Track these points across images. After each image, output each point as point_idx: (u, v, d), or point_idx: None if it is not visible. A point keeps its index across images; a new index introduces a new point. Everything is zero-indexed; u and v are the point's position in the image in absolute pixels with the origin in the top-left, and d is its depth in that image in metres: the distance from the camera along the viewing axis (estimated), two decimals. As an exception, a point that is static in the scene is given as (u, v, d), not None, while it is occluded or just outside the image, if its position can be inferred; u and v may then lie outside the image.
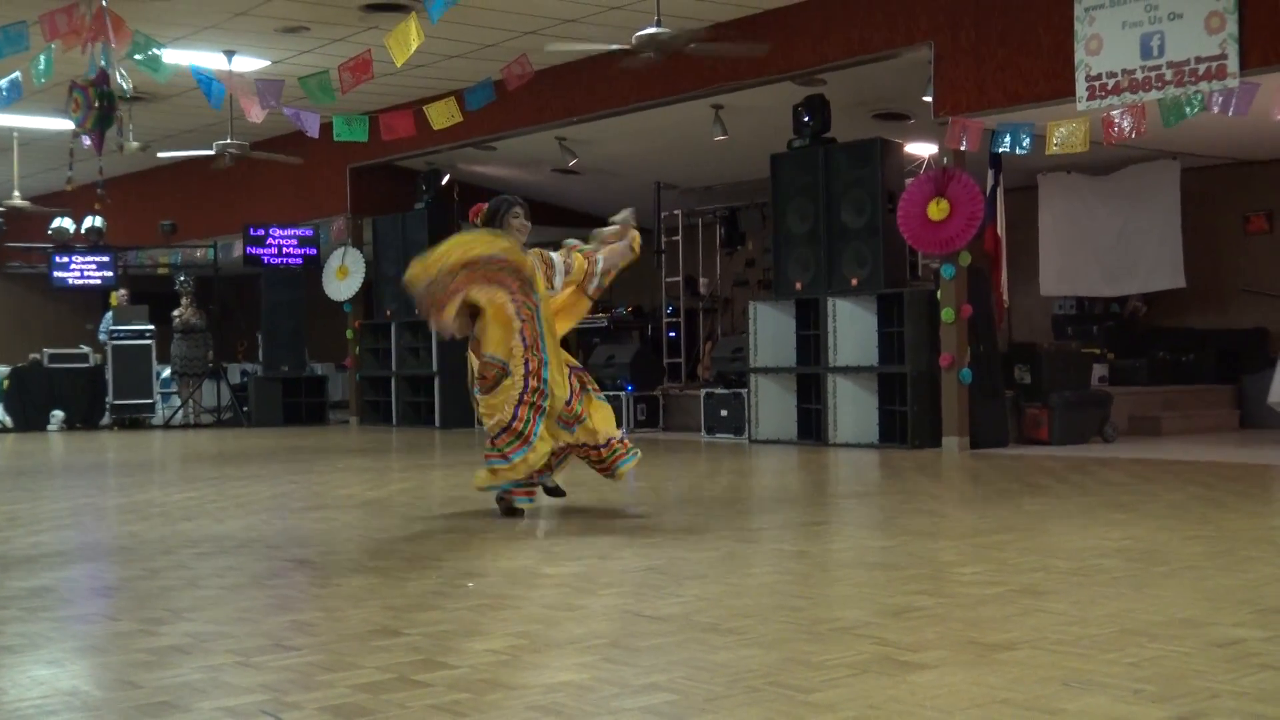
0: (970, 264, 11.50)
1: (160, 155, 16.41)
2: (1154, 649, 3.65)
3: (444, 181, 17.14)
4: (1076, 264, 14.88)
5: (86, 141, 12.24)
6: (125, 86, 11.04)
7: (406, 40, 9.66)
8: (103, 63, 10.46)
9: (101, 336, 18.40)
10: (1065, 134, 10.31)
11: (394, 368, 17.24)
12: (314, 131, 12.02)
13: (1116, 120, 9.98)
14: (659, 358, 16.26)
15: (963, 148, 11.05)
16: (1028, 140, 10.73)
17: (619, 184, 17.86)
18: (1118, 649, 3.66)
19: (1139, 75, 9.91)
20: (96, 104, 10.69)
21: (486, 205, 7.12)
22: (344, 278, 17.62)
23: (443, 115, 11.77)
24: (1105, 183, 14.83)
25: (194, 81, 11.76)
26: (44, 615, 4.48)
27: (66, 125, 13.78)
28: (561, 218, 20.18)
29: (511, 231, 6.92)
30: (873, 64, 11.96)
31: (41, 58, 10.74)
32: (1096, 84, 10.17)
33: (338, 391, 19.80)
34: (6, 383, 17.79)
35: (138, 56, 10.91)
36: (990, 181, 11.96)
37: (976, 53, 11.08)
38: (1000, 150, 11.15)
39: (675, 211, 17.19)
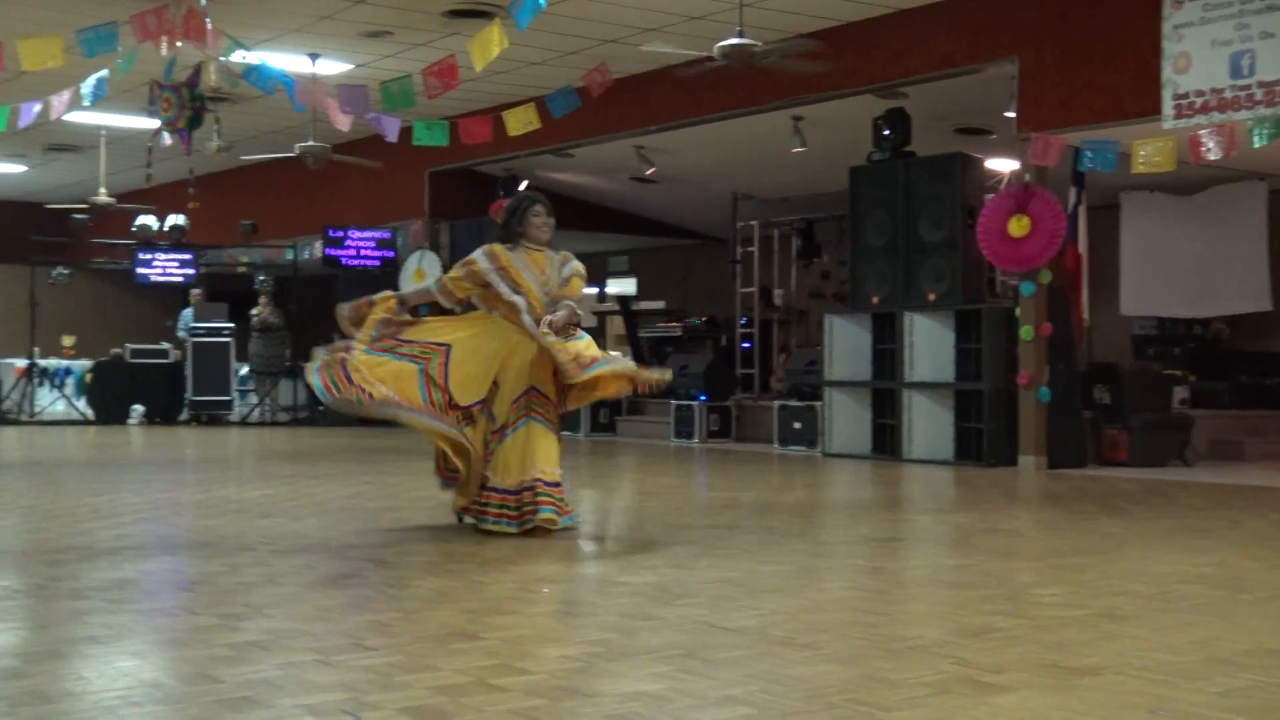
0: (1050, 282, 11.37)
1: (244, 159, 16.59)
2: (1243, 679, 3.58)
3: (521, 187, 17.21)
4: (1158, 284, 14.67)
5: (167, 139, 12.42)
6: (230, 84, 11.15)
7: (488, 45, 9.71)
8: (217, 60, 10.59)
9: (180, 333, 18.64)
10: (1150, 153, 10.16)
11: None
12: (393, 136, 12.11)
13: (1204, 140, 9.83)
14: (732, 368, 16.22)
15: (1045, 164, 10.94)
16: (1112, 158, 10.58)
17: (696, 193, 17.87)
18: (1204, 677, 3.60)
19: (1228, 94, 9.76)
20: (190, 105, 10.86)
21: (508, 202, 7.02)
22: (420, 280, 17.73)
23: (520, 121, 11.81)
24: (1190, 203, 14.62)
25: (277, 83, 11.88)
26: (127, 607, 4.54)
27: (149, 124, 13.98)
28: (637, 226, 20.27)
29: (530, 230, 6.67)
30: (955, 78, 11.88)
31: (122, 58, 10.91)
32: (1184, 103, 10.02)
33: (412, 394, 19.90)
34: (89, 376, 18.10)
35: (223, 58, 11.06)
36: (1072, 199, 11.83)
37: (1062, 69, 10.97)
38: (1084, 168, 11.02)
39: (751, 222, 17.15)
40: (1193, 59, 10.00)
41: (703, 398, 14.77)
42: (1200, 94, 9.95)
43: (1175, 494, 9.27)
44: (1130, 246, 14.70)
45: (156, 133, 12.45)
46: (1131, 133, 10.46)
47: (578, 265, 6.77)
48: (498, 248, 6.66)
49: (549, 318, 6.41)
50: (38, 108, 12.13)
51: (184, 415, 17.71)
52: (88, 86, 11.67)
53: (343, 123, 11.58)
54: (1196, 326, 15.66)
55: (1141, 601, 4.84)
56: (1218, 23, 9.83)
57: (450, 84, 10.57)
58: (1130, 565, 5.84)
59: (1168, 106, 10.13)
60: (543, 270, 6.62)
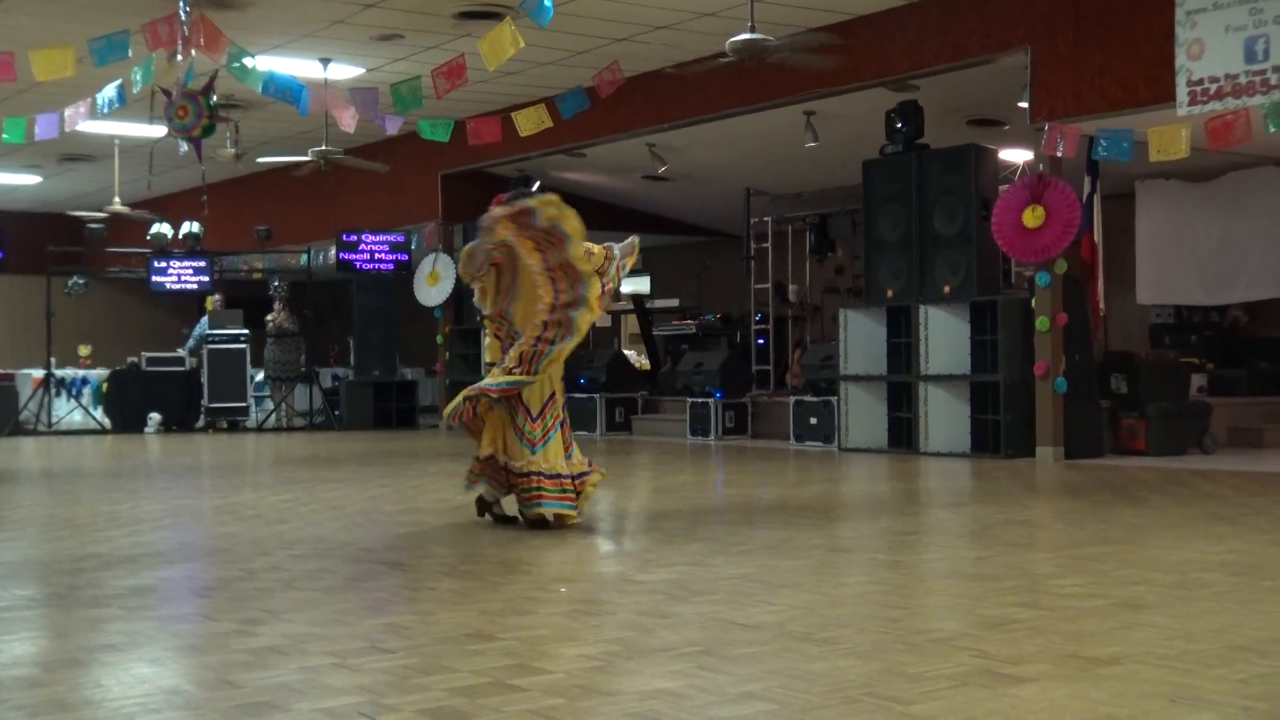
0: (1066, 272, 11.32)
1: (260, 160, 16.62)
2: (1263, 666, 3.56)
3: (534, 188, 17.20)
4: (1175, 272, 14.61)
5: (184, 147, 12.44)
6: (213, 100, 11.19)
7: (501, 45, 9.69)
8: (217, 69, 10.62)
9: (190, 343, 18.67)
10: (1165, 140, 10.11)
11: (483, 373, 17.32)
12: (394, 130, 12.11)
13: (1219, 126, 9.77)
14: (747, 365, 16.19)
15: (1059, 154, 10.89)
16: (1127, 146, 10.53)
17: (709, 190, 17.85)
18: (1225, 665, 3.57)
19: (1242, 80, 9.70)
20: (208, 113, 10.89)
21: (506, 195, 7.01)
22: (435, 283, 17.76)
23: (531, 122, 11.80)
24: (1205, 190, 14.55)
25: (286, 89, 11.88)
26: (145, 614, 4.55)
27: (161, 133, 13.98)
28: (650, 224, 20.25)
29: None
30: (968, 69, 11.83)
31: (139, 66, 10.93)
32: (1198, 89, 9.96)
33: (428, 396, 19.94)
34: (105, 385, 18.15)
35: (233, 65, 11.07)
36: (1087, 188, 11.78)
37: (1074, 58, 10.92)
38: (1099, 157, 10.96)
39: (765, 218, 17.10)
40: (1206, 45, 9.93)
41: (718, 395, 14.75)
42: (1214, 80, 9.88)
43: (1194, 482, 9.23)
44: (1146, 235, 14.65)
45: (172, 136, 12.45)
46: (1146, 120, 10.42)
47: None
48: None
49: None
50: (57, 120, 12.15)
51: (201, 422, 17.76)
52: (105, 97, 11.69)
53: (348, 124, 11.61)
54: (1214, 314, 15.58)
55: (1161, 590, 4.82)
56: (1231, 8, 9.76)
57: (457, 83, 10.56)
58: (1150, 554, 5.82)
59: (1182, 93, 10.05)
60: None
